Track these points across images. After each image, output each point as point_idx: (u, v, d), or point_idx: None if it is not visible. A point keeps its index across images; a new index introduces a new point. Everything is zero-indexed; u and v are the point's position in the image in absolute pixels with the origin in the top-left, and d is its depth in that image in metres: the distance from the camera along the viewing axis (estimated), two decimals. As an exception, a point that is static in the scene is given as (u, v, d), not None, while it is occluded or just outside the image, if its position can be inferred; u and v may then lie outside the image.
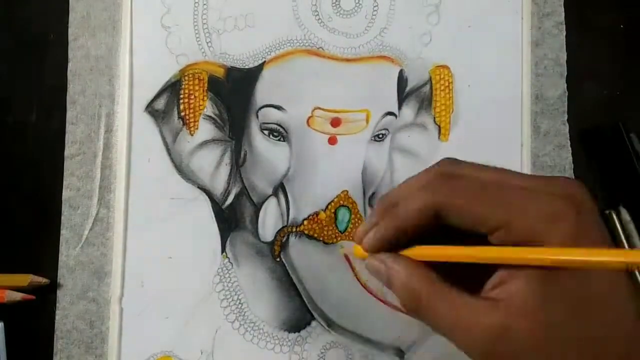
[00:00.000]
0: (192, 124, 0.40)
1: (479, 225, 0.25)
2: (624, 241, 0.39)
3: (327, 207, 0.40)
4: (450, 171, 0.27)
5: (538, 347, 0.23)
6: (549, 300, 0.23)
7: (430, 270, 0.26)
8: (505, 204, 0.25)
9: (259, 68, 0.40)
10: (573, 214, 0.24)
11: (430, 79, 0.41)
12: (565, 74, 0.41)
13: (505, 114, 0.41)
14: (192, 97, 0.40)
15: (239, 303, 0.39)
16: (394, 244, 0.28)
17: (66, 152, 0.40)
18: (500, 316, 0.24)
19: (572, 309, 0.23)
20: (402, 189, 0.28)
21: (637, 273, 0.38)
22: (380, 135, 0.41)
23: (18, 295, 0.38)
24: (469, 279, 0.26)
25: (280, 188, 0.40)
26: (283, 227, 0.40)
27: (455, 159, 0.28)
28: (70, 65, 0.41)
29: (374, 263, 0.28)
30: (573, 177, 0.40)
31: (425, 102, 0.41)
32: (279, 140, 0.40)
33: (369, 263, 0.29)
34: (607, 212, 0.40)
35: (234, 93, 0.40)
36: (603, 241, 0.25)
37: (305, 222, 0.40)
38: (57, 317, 0.39)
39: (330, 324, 0.39)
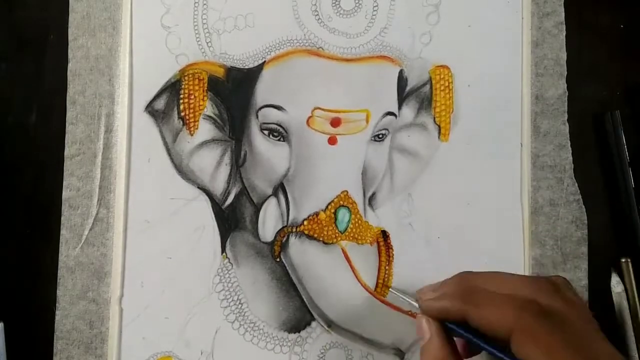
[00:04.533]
0: (192, 124, 0.40)
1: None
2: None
3: (327, 207, 0.40)
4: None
5: None
6: None
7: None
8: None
9: (259, 68, 0.40)
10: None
11: (430, 79, 0.41)
12: (565, 74, 0.41)
13: (505, 114, 0.41)
14: (192, 97, 0.40)
15: (239, 303, 0.39)
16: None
17: (66, 152, 0.40)
18: None
19: None
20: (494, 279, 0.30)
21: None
22: (380, 135, 0.41)
23: None
24: None
25: (280, 188, 0.40)
26: (283, 227, 0.40)
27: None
28: (70, 65, 0.41)
29: (423, 325, 0.31)
30: (573, 177, 0.40)
31: (425, 102, 0.41)
32: (279, 140, 0.40)
33: (420, 321, 0.31)
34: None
35: (234, 93, 0.40)
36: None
37: (305, 222, 0.40)
38: (57, 317, 0.39)
39: (330, 324, 0.39)
